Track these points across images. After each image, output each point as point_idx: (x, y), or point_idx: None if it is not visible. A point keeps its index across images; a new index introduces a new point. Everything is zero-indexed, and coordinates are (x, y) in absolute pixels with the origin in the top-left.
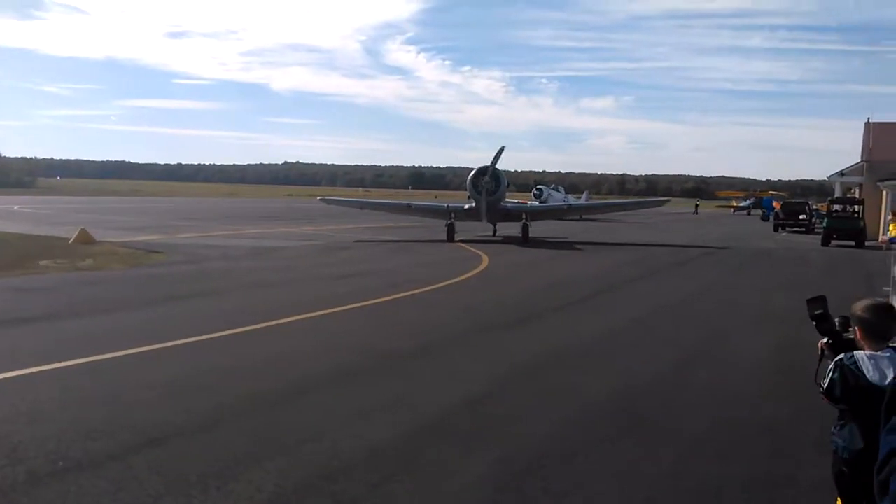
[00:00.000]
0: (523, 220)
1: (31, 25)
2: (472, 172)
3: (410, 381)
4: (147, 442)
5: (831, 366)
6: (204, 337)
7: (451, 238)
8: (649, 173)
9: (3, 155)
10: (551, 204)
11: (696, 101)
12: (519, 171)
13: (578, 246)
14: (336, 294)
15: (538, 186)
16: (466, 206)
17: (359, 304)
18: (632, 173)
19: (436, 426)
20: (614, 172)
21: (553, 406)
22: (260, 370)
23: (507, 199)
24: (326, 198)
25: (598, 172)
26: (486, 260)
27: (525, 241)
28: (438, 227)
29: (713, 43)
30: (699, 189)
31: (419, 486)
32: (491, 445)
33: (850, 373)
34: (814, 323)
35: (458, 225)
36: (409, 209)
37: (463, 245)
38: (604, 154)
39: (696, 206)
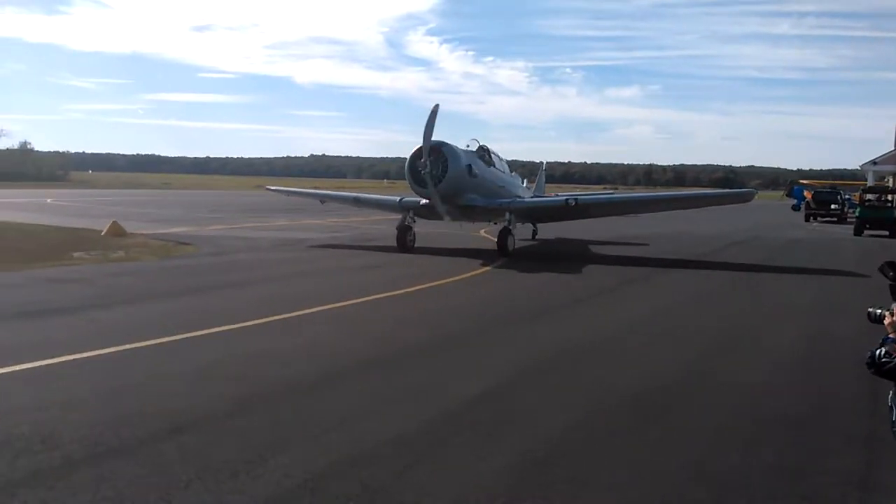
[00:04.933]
0: (505, 222)
1: (57, 20)
2: (409, 156)
3: (433, 372)
4: (177, 428)
5: None
6: (232, 326)
7: (403, 244)
8: (677, 163)
9: (36, 149)
10: (548, 198)
11: (723, 89)
12: (545, 162)
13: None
14: (361, 284)
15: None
16: (422, 202)
17: (383, 295)
18: (659, 163)
19: (459, 416)
20: (641, 163)
21: (575, 397)
22: (287, 359)
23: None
24: (268, 187)
25: (625, 163)
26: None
27: (503, 251)
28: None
29: (740, 30)
30: (727, 179)
31: (444, 473)
32: (513, 435)
33: None
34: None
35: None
36: (356, 203)
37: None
38: (630, 144)
39: None
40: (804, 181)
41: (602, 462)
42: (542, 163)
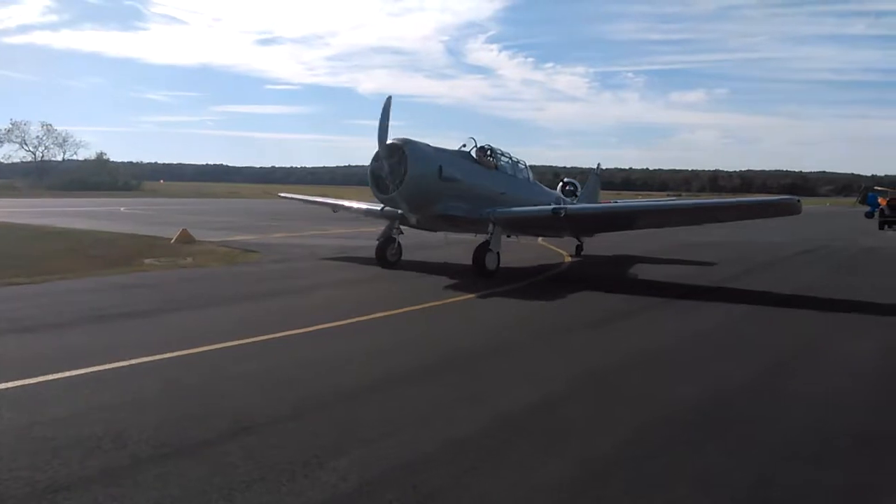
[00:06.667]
0: (488, 234)
1: (134, 36)
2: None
3: (489, 379)
4: (239, 430)
5: None
6: (292, 332)
7: (383, 258)
8: (744, 169)
9: (111, 160)
10: (533, 209)
11: (793, 92)
12: (605, 168)
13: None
14: (416, 292)
15: (569, 181)
16: (400, 210)
17: (438, 303)
18: (725, 169)
19: (515, 424)
20: (706, 168)
21: (634, 408)
22: (343, 364)
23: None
24: (281, 194)
25: (689, 169)
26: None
27: (480, 270)
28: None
29: (812, 31)
30: (796, 185)
31: (499, 481)
32: (570, 445)
33: None
34: None
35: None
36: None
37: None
38: (695, 150)
39: None
40: (879, 188)
41: (661, 475)
42: (595, 166)
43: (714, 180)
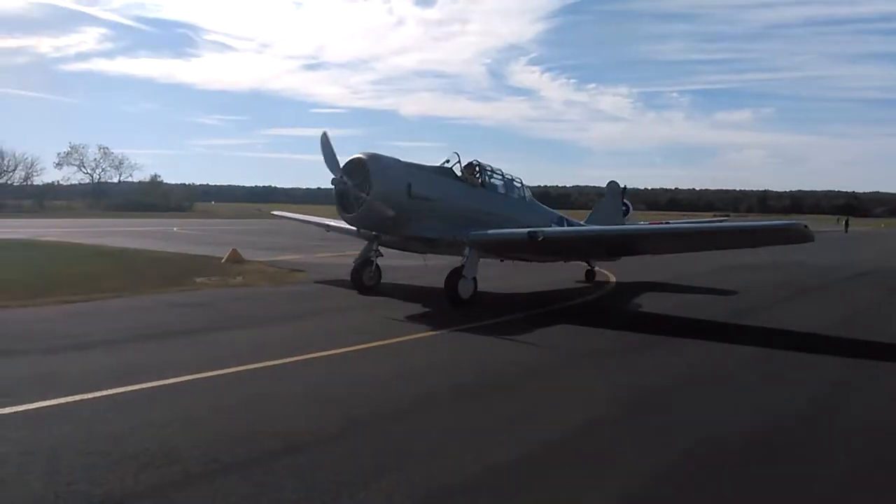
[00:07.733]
0: (463, 259)
1: (186, 63)
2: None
3: (533, 402)
4: (286, 448)
5: None
6: (338, 350)
7: (358, 282)
8: (794, 189)
9: (164, 182)
10: (509, 231)
11: (842, 111)
12: (649, 188)
13: None
14: (459, 312)
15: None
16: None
17: (480, 324)
18: (774, 189)
19: (558, 448)
20: (755, 189)
21: (681, 434)
22: (387, 384)
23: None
24: (273, 212)
25: (737, 189)
26: None
27: (452, 299)
28: None
29: (859, 49)
30: (850, 206)
31: None
32: (614, 472)
33: None
34: None
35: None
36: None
37: None
38: (742, 170)
39: (846, 222)
40: None
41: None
42: (610, 183)
43: (763, 201)
